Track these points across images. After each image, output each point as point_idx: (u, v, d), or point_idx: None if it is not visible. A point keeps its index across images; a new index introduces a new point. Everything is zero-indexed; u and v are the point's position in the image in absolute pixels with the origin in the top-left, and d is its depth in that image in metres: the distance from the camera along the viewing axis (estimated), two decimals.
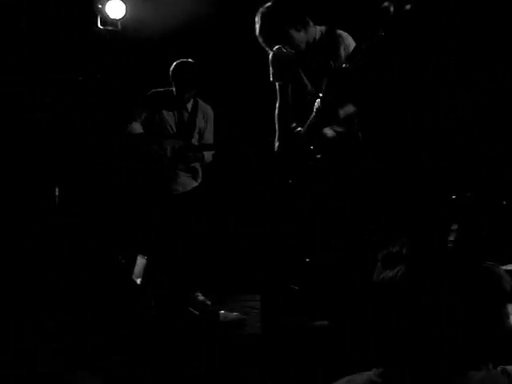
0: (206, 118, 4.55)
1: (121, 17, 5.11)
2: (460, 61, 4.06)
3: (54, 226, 4.60)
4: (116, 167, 4.82)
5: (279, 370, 3.03)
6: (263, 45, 3.54)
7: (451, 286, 1.16)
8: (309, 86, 3.62)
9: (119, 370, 3.00)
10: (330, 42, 3.49)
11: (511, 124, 4.18)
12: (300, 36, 3.48)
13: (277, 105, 3.83)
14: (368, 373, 1.22)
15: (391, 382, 1.18)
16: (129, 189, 4.61)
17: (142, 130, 4.45)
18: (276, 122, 3.83)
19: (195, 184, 4.56)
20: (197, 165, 4.55)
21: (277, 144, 3.82)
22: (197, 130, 4.52)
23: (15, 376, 2.88)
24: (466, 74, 4.11)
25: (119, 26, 5.16)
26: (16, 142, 5.04)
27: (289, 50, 3.50)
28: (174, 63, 4.41)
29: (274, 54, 3.69)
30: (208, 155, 4.54)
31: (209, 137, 4.60)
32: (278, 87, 3.80)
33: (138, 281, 4.29)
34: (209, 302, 4.48)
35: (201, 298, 4.50)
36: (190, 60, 4.39)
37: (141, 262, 4.35)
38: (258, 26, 3.46)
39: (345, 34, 3.53)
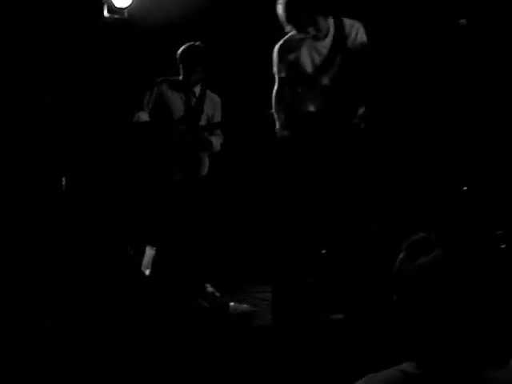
0: (213, 105, 4.53)
1: (127, 5, 5.11)
2: (460, 62, 4.06)
3: (54, 225, 4.60)
4: (116, 167, 4.81)
5: (279, 370, 3.03)
6: (288, 27, 3.54)
7: (495, 266, 1.16)
8: (319, 78, 3.61)
9: (119, 370, 3.00)
10: (345, 31, 3.52)
11: (511, 125, 4.18)
12: (324, 23, 3.51)
13: (274, 90, 3.85)
14: (396, 368, 1.21)
15: (433, 372, 1.16)
16: (135, 178, 4.58)
17: (148, 119, 4.44)
18: (274, 106, 3.85)
19: (203, 173, 4.52)
20: (204, 154, 4.52)
21: (279, 126, 3.82)
22: (205, 117, 4.48)
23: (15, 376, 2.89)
24: (467, 76, 4.11)
25: (126, 14, 5.15)
26: (16, 141, 5.04)
27: (309, 33, 3.52)
28: (182, 47, 4.40)
29: (280, 47, 3.69)
30: (216, 143, 4.51)
31: None
32: (277, 77, 3.82)
33: (147, 272, 4.27)
34: (218, 294, 4.44)
35: (210, 289, 4.46)
36: (197, 43, 4.40)
37: (150, 252, 4.32)
38: (283, 6, 3.44)
39: (357, 23, 3.56)
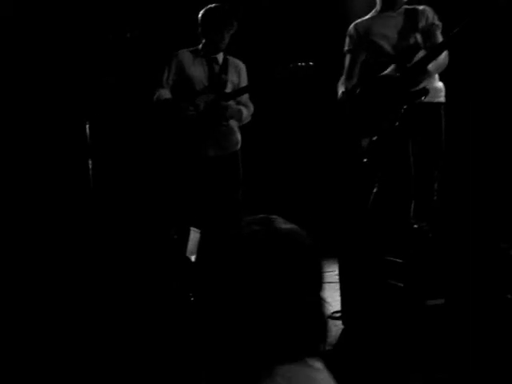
0: (238, 72, 4.22)
1: None
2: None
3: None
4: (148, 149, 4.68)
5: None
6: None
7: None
8: (388, 49, 3.66)
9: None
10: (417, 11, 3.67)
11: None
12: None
13: (344, 76, 3.82)
14: None
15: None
16: (165, 158, 4.27)
17: (169, 96, 4.14)
18: (342, 86, 3.80)
19: (235, 148, 4.24)
20: (235, 126, 4.23)
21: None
22: (230, 85, 4.17)
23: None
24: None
25: None
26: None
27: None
28: (203, 10, 4.11)
29: (355, 26, 3.79)
30: (246, 114, 4.23)
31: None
32: (348, 57, 3.85)
33: (193, 258, 3.99)
34: None
35: None
36: (220, 4, 4.10)
37: (194, 236, 4.00)
38: None
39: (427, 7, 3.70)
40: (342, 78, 3.84)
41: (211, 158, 4.13)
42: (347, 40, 3.84)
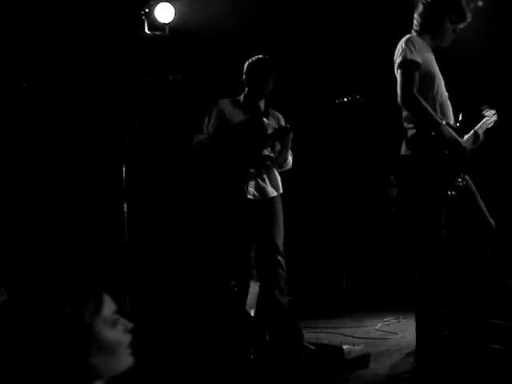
0: (277, 122, 4.28)
1: (170, 21, 5.09)
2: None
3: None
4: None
5: None
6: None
7: None
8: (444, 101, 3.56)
9: None
10: None
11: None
12: None
13: (404, 78, 3.41)
14: None
15: None
16: (206, 201, 4.26)
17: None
18: (423, 106, 3.39)
19: (275, 193, 4.21)
20: (275, 170, 4.26)
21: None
22: (270, 130, 4.18)
23: None
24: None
25: (167, 31, 5.12)
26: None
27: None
28: (250, 59, 4.22)
29: (415, 40, 3.46)
30: (288, 158, 4.25)
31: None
32: (410, 69, 3.42)
33: (252, 312, 3.79)
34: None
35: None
36: (266, 56, 4.21)
37: (254, 288, 3.83)
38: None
39: None
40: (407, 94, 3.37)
41: (251, 202, 4.09)
42: (410, 48, 3.39)
